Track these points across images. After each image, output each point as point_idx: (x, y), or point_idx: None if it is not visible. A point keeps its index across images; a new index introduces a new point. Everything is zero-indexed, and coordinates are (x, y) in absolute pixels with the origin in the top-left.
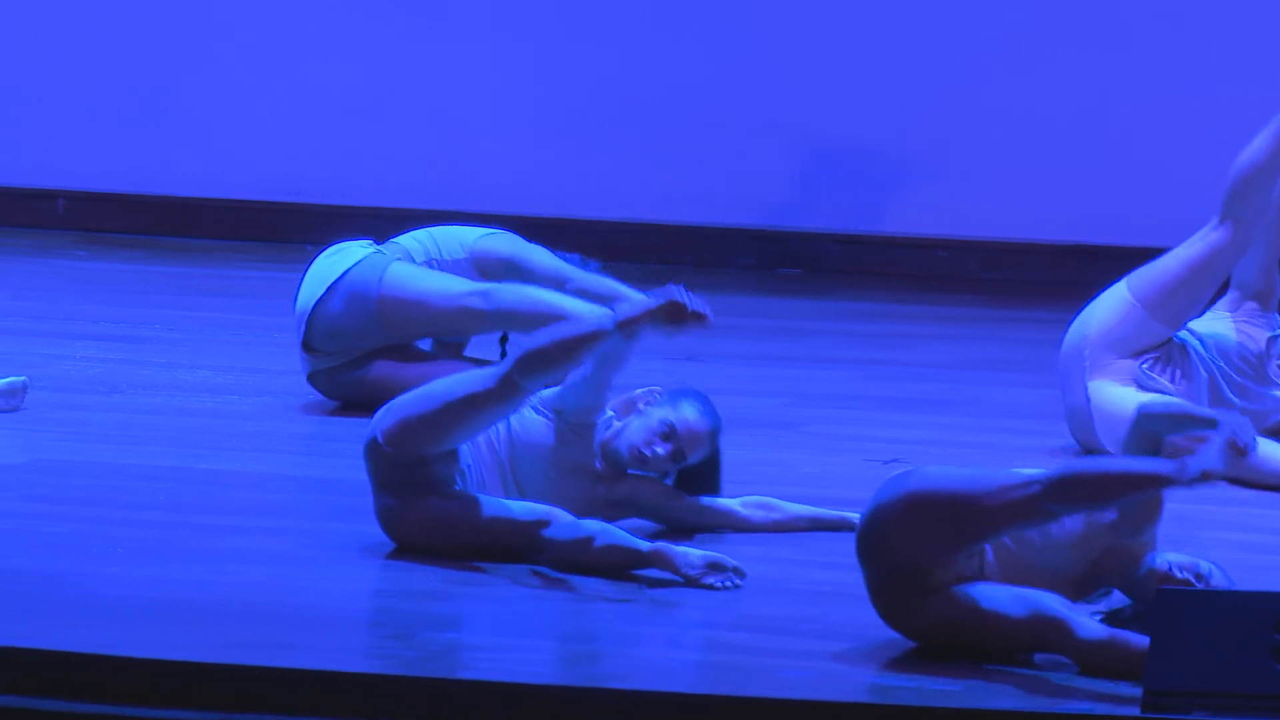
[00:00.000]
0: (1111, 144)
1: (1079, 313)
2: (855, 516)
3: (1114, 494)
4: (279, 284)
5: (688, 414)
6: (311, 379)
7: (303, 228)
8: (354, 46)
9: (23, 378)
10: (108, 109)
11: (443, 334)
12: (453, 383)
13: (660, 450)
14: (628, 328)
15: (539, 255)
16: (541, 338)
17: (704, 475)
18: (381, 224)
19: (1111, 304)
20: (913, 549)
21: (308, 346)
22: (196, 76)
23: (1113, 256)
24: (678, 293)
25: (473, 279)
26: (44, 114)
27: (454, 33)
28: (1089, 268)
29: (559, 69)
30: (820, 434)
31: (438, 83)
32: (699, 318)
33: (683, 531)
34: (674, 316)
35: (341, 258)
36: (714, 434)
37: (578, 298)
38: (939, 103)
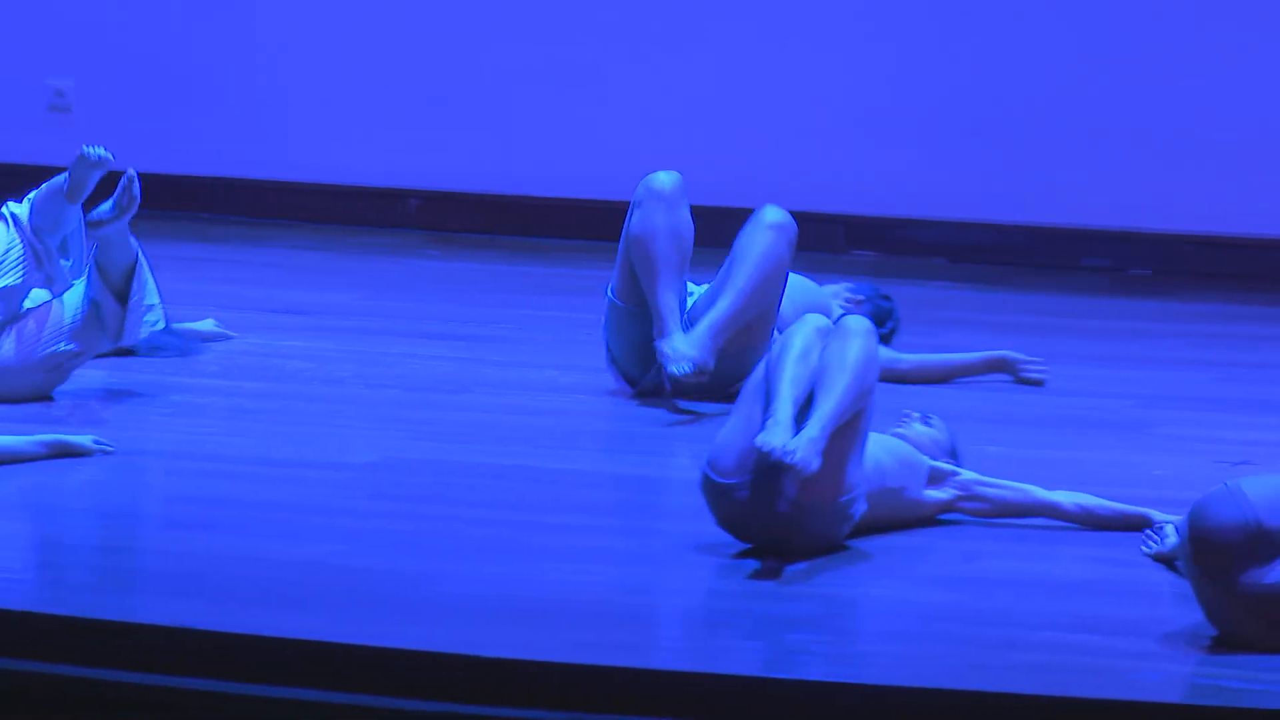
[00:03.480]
0: None
1: None
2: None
3: None
4: None
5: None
6: None
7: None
8: (696, 48)
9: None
10: (459, 109)
11: None
12: None
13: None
14: None
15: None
16: None
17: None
18: (729, 223)
19: None
20: None
21: None
22: (546, 78)
23: None
24: None
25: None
26: (397, 114)
27: (795, 31)
28: None
29: (904, 70)
30: (1170, 435)
31: (779, 82)
32: None
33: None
34: None
35: None
36: None
37: None
38: None
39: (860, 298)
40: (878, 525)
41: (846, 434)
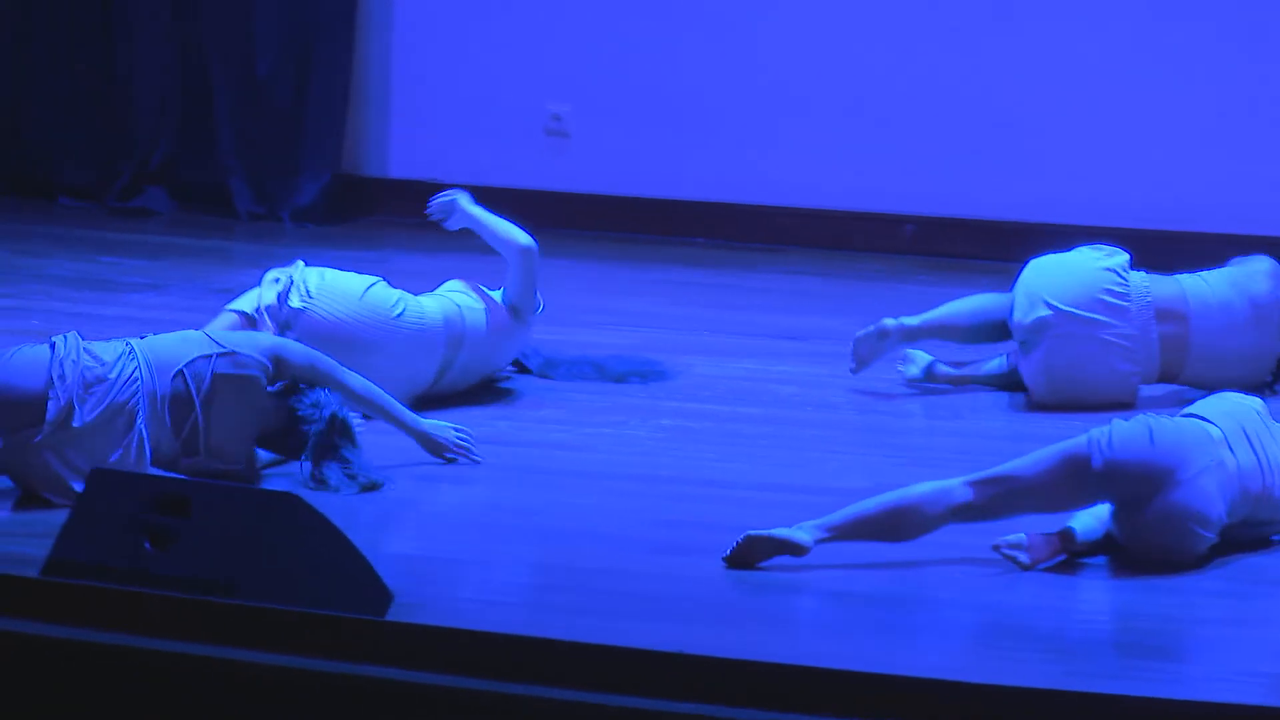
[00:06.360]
0: None
1: None
2: None
3: None
4: None
5: None
6: None
7: (1160, 254)
8: (1128, 71)
9: None
10: (959, 134)
11: None
12: None
13: None
14: None
15: None
16: None
17: None
18: (1218, 248)
19: None
20: None
21: None
22: (1044, 103)
23: None
24: None
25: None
26: (893, 139)
27: (1256, 40)
28: None
29: None
30: None
31: (1245, 99)
32: None
33: None
34: None
35: None
36: None
37: None
38: None
39: None
40: None
41: None
